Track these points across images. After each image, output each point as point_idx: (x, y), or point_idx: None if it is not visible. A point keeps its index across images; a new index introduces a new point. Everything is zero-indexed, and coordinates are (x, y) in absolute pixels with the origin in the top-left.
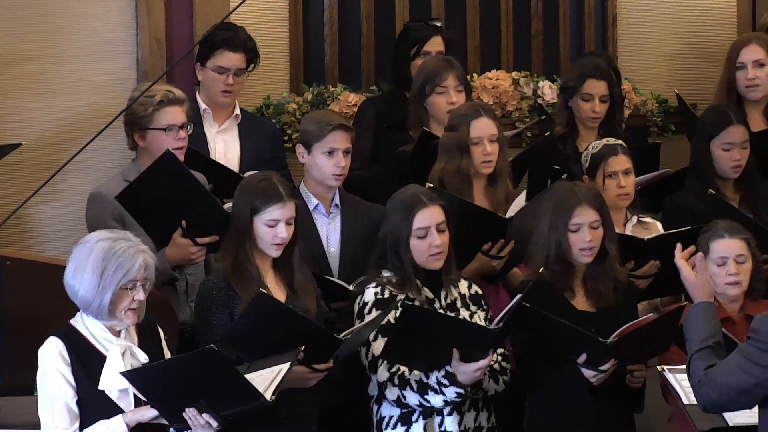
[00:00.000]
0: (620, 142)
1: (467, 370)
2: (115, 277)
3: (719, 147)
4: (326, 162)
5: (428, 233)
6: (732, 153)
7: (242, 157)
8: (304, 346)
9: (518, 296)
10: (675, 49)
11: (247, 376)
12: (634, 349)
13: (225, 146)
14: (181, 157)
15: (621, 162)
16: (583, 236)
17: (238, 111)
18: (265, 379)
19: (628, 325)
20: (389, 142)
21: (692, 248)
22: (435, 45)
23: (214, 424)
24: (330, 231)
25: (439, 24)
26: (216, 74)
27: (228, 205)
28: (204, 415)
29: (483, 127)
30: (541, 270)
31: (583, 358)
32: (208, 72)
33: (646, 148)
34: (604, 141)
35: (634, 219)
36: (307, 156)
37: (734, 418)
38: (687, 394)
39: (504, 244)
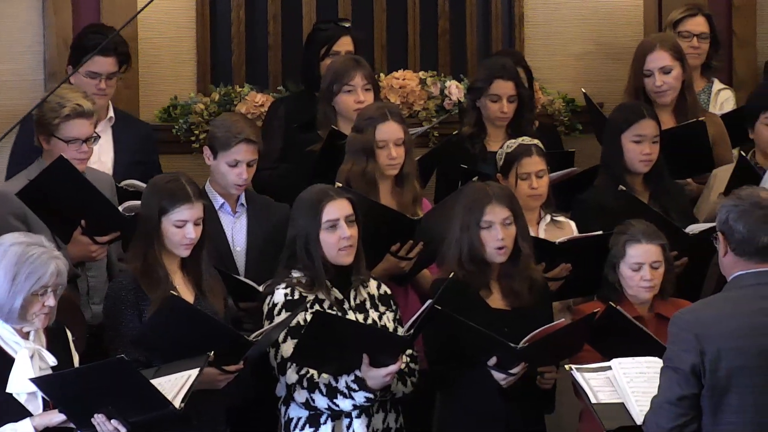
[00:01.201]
0: (536, 142)
1: (377, 375)
2: (27, 282)
3: (630, 140)
4: (229, 171)
5: (337, 225)
6: (642, 146)
7: (116, 160)
8: (213, 351)
9: (429, 302)
10: (582, 49)
11: (157, 381)
12: (545, 352)
13: (99, 149)
14: (82, 167)
15: (535, 163)
16: (495, 234)
17: (111, 113)
18: (175, 385)
19: (540, 329)
20: (299, 142)
21: None
22: (344, 45)
23: (123, 430)
24: (236, 230)
25: (347, 24)
26: (88, 78)
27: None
28: (112, 421)
29: (389, 131)
30: (452, 274)
31: (493, 361)
32: (81, 77)
33: (561, 154)
34: (519, 140)
35: (548, 218)
36: (212, 160)
37: (642, 416)
38: (595, 393)
39: (413, 245)
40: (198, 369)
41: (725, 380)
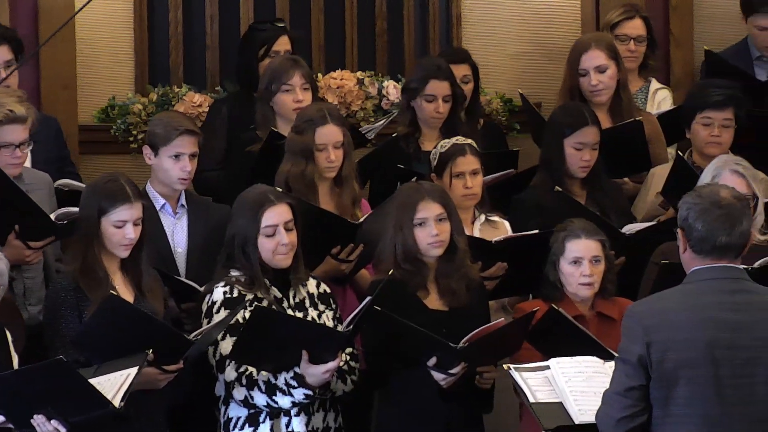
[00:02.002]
0: (470, 141)
1: (316, 372)
2: None
3: (571, 146)
4: (172, 165)
5: (276, 231)
6: (583, 153)
7: (32, 158)
8: (152, 349)
9: (369, 298)
10: (519, 49)
11: (96, 380)
12: (485, 352)
13: None
14: (16, 171)
15: (469, 162)
16: (429, 230)
17: None
18: (114, 384)
19: (479, 329)
20: (240, 143)
21: None
22: (283, 45)
23: (63, 430)
24: (177, 231)
25: (283, 24)
26: None
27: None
28: (52, 421)
29: (328, 134)
30: (390, 272)
31: (433, 361)
32: None
33: (505, 153)
34: (453, 140)
35: (482, 218)
36: (153, 158)
37: (580, 416)
38: (533, 393)
39: (353, 248)
40: (137, 367)
41: (673, 372)
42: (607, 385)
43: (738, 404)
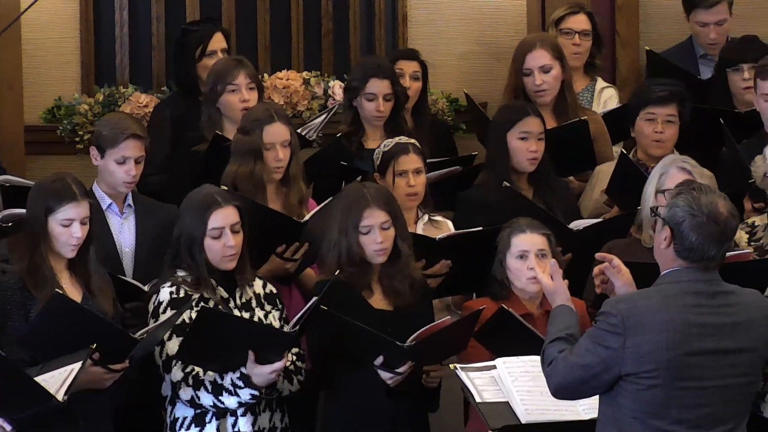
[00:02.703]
0: (413, 141)
1: (262, 372)
2: None
3: (516, 137)
4: (117, 169)
5: (222, 234)
6: (529, 143)
7: None
8: (95, 344)
9: (315, 298)
10: (465, 48)
11: (40, 378)
12: (431, 351)
13: None
14: None
15: (412, 161)
16: (374, 237)
17: None
18: (58, 380)
19: (426, 327)
20: (186, 143)
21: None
22: (218, 43)
23: (8, 427)
24: (123, 231)
25: (215, 21)
26: None
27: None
28: None
29: (276, 133)
30: (337, 272)
31: (379, 360)
32: None
33: (461, 158)
34: (396, 139)
35: (426, 218)
36: (100, 159)
37: (527, 415)
38: (480, 393)
39: (298, 247)
40: (80, 362)
41: (649, 370)
42: None
43: (711, 406)
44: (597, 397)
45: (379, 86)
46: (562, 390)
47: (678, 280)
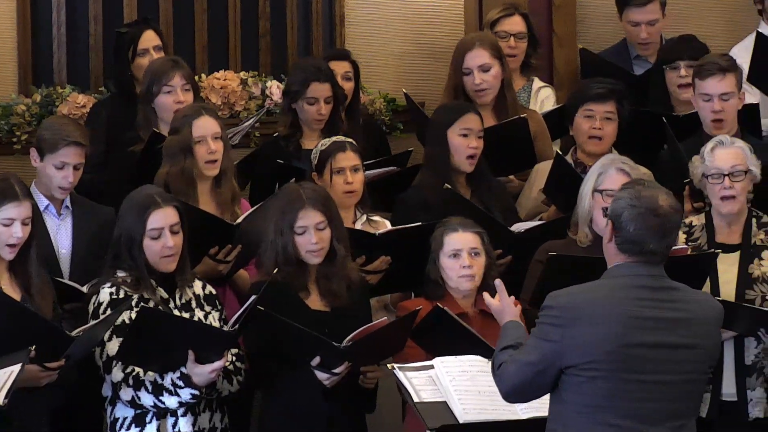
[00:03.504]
0: (350, 140)
1: (202, 372)
2: None
3: (457, 134)
4: (55, 174)
5: (162, 234)
6: (469, 140)
7: None
8: (34, 346)
9: (253, 297)
10: (402, 48)
11: None
12: (368, 351)
13: None
14: None
15: (349, 158)
16: (309, 238)
17: None
18: None
19: (363, 328)
20: (122, 144)
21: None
22: (149, 40)
23: None
24: (60, 233)
25: (148, 20)
26: None
27: None
28: None
29: (205, 126)
30: (276, 270)
31: (316, 360)
32: None
33: (396, 156)
34: (334, 138)
35: (364, 218)
36: (39, 162)
37: (465, 415)
38: (417, 392)
39: (231, 248)
40: (20, 364)
41: (589, 363)
42: (492, 386)
43: (655, 401)
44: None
45: (320, 90)
46: (513, 392)
47: (621, 274)
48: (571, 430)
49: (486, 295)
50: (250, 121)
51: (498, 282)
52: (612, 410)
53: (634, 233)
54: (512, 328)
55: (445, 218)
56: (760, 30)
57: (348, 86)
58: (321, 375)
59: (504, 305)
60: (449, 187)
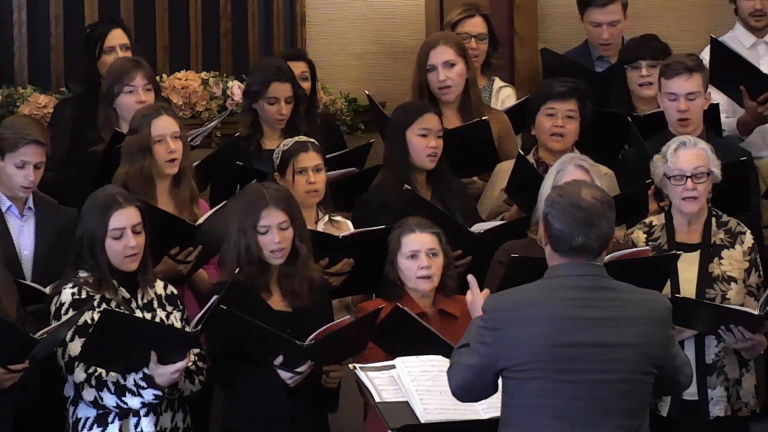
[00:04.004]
0: (312, 140)
1: (165, 373)
2: None
3: (416, 134)
4: (16, 173)
5: (123, 234)
6: (428, 139)
7: None
8: None
9: (215, 298)
10: (363, 48)
11: None
12: (331, 350)
13: None
14: None
15: (311, 158)
16: (272, 238)
17: None
18: None
19: (325, 327)
20: (84, 143)
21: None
22: (116, 38)
23: None
24: (23, 233)
25: (117, 19)
26: None
27: None
28: None
29: (164, 125)
30: (237, 270)
31: (279, 360)
32: None
33: (359, 149)
34: (296, 138)
35: (326, 218)
36: (0, 161)
37: (426, 415)
38: (379, 392)
39: (192, 249)
40: None
41: (526, 365)
42: None
43: (589, 400)
44: (499, 395)
45: (280, 90)
46: (457, 392)
47: (556, 275)
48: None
49: (468, 296)
50: (213, 123)
51: (470, 278)
52: (546, 410)
53: (560, 229)
54: (474, 325)
55: (402, 219)
56: (713, 36)
57: (305, 86)
58: (284, 374)
59: (475, 300)
60: (409, 188)
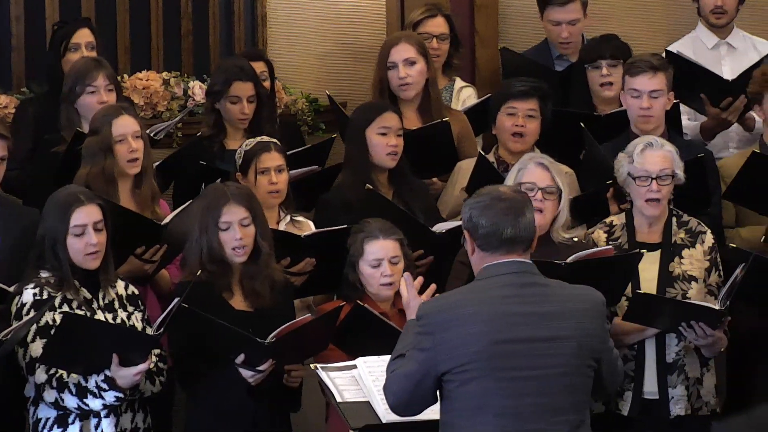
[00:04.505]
0: (275, 140)
1: (127, 375)
2: None
3: (376, 132)
4: None
5: (85, 231)
6: (389, 138)
7: None
8: None
9: (177, 299)
10: (324, 48)
11: None
12: (292, 349)
13: None
14: None
15: (273, 158)
16: (234, 234)
17: None
18: None
19: (286, 325)
20: (46, 143)
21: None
22: (83, 37)
23: None
24: None
25: (84, 18)
26: None
27: None
28: None
29: (125, 125)
30: (199, 272)
31: (241, 358)
32: None
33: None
34: (258, 138)
35: (288, 218)
36: None
37: (387, 415)
38: (341, 392)
39: (158, 248)
40: None
41: (465, 366)
42: None
43: (532, 396)
44: None
45: (242, 89)
46: (396, 405)
47: (489, 274)
48: None
49: (402, 289)
50: (177, 118)
51: (407, 275)
52: (489, 410)
53: (488, 225)
54: (409, 329)
55: (362, 220)
56: (669, 48)
57: (264, 86)
58: (246, 373)
59: (410, 300)
60: (370, 187)
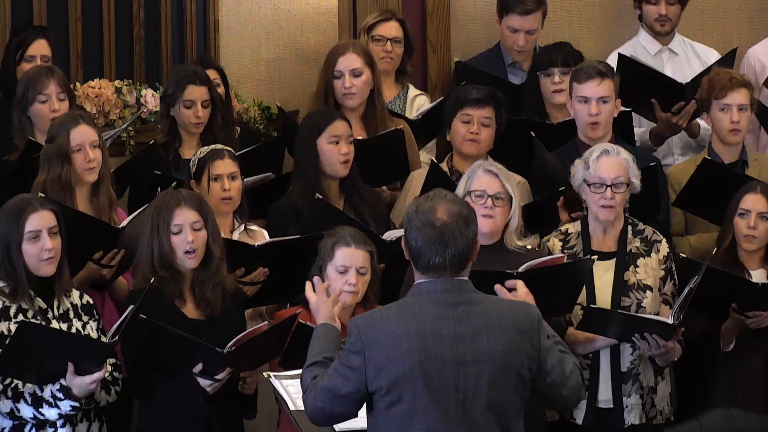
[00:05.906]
0: (228, 148)
1: (82, 383)
2: None
3: (327, 141)
4: None
5: (40, 236)
6: (340, 146)
7: None
8: None
9: (131, 307)
10: (275, 54)
11: None
12: (249, 356)
13: None
14: None
15: (226, 165)
16: (185, 237)
17: None
18: None
19: (243, 333)
20: None
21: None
22: (39, 48)
23: None
24: None
25: (43, 28)
26: None
27: None
28: None
29: (83, 134)
30: (152, 280)
31: (198, 368)
32: None
33: (273, 141)
34: (212, 146)
35: (242, 227)
36: None
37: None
38: (293, 400)
39: (116, 253)
40: None
41: (393, 386)
42: None
43: (459, 416)
44: None
45: (196, 93)
46: (316, 416)
47: (419, 292)
48: None
49: (308, 292)
50: (124, 125)
51: (316, 279)
52: (417, 429)
53: (417, 249)
54: (321, 337)
55: (320, 228)
56: (620, 51)
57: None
58: (204, 382)
59: (319, 305)
60: (320, 197)
